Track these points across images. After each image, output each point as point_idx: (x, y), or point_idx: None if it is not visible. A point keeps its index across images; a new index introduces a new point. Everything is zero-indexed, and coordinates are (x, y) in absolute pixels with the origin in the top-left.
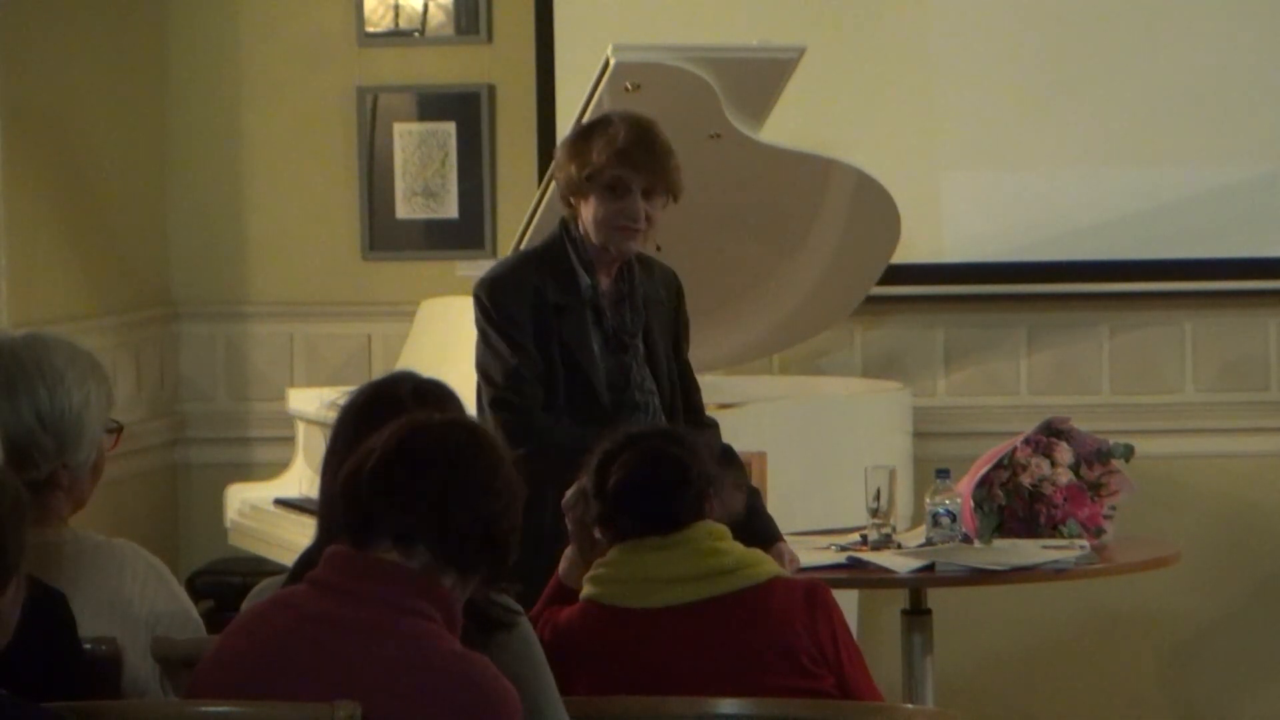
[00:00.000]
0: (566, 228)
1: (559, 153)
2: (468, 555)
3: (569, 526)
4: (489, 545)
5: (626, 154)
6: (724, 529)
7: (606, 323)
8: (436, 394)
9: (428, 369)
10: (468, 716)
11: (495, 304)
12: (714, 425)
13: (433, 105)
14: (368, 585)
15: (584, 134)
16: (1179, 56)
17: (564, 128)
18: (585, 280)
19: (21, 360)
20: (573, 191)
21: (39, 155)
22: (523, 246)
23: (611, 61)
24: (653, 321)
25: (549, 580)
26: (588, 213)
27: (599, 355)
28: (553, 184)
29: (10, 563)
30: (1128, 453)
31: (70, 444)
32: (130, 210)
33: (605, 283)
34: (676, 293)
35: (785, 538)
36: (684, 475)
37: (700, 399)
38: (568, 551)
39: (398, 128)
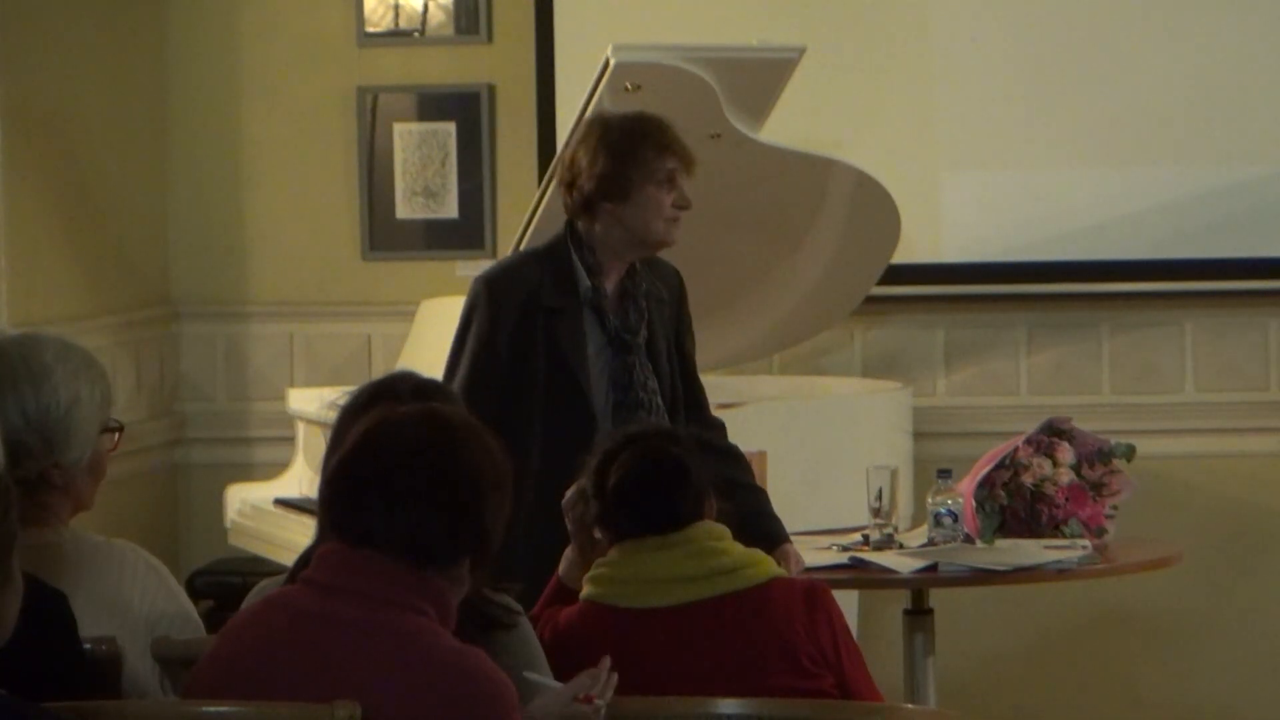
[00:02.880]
0: (572, 229)
1: (596, 157)
2: (436, 550)
3: (569, 526)
4: (456, 538)
5: (674, 146)
6: (724, 529)
7: (609, 323)
8: (436, 394)
9: (428, 369)
10: (465, 710)
11: (488, 302)
12: (720, 426)
13: (433, 105)
14: (359, 582)
15: (627, 135)
16: (1179, 56)
17: (564, 128)
18: (585, 282)
19: (9, 358)
20: (613, 193)
21: (39, 155)
22: (525, 246)
23: (611, 61)
24: (655, 319)
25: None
26: (637, 210)
27: (598, 358)
28: (555, 186)
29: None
30: (1129, 452)
31: (59, 442)
32: (130, 210)
33: (612, 283)
34: (679, 290)
35: (791, 539)
36: (684, 475)
37: (705, 396)
38: (568, 551)
39: (398, 128)
